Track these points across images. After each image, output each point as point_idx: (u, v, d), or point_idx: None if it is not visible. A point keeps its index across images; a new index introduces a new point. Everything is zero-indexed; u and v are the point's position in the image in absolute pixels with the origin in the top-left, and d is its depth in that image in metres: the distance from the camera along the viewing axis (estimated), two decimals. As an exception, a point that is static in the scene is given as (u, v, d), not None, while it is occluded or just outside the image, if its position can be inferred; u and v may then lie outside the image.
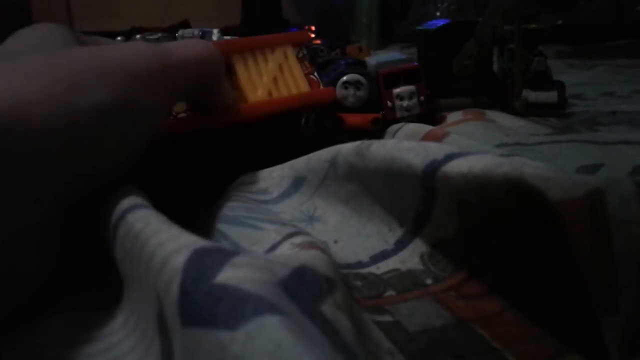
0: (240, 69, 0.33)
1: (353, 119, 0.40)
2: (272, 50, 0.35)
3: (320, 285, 0.16)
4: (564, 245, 0.16)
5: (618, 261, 0.16)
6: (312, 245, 0.19)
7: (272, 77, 0.34)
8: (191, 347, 0.13)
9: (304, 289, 0.15)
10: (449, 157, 0.20)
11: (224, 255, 0.15)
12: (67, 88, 0.19)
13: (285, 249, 0.19)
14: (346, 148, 0.26)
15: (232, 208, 0.26)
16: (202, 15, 1.46)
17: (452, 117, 0.44)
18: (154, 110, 0.24)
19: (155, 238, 0.16)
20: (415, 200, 0.22)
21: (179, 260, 0.15)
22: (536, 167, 0.18)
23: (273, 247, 0.20)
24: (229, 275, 0.14)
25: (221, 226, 0.24)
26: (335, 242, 0.25)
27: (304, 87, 0.36)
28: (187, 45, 0.26)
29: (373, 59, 0.45)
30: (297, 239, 0.20)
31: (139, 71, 0.22)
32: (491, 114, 0.45)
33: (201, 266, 0.14)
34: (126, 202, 0.20)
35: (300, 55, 0.37)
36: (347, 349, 0.14)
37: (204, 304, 0.13)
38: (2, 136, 0.17)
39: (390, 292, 0.21)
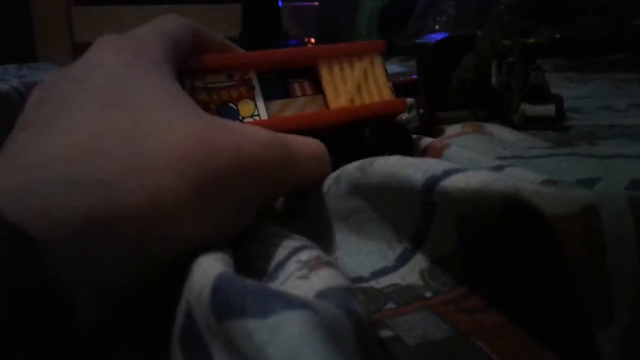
0: (325, 74, 0.33)
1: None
2: (359, 57, 0.34)
3: (347, 290, 0.16)
4: (559, 259, 0.17)
5: (612, 275, 0.16)
6: (319, 262, 0.19)
7: (356, 85, 0.33)
8: (228, 341, 0.13)
9: (338, 292, 0.15)
10: (447, 173, 0.21)
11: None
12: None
13: (292, 268, 0.19)
14: (351, 165, 0.26)
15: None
16: (202, 27, 1.47)
17: (451, 129, 0.44)
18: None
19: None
20: (414, 216, 0.23)
21: (212, 272, 0.15)
22: (533, 180, 0.18)
23: (280, 265, 0.20)
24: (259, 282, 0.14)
25: None
26: (336, 259, 0.25)
27: (388, 96, 0.35)
28: (309, 142, 0.25)
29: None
30: (303, 256, 0.20)
31: (262, 161, 0.21)
32: (489, 127, 0.45)
33: (234, 276, 0.15)
34: None
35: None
36: (370, 349, 0.14)
37: (235, 297, 0.13)
38: None
39: (390, 305, 0.21)
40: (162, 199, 0.18)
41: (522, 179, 0.20)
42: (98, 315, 0.17)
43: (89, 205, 0.16)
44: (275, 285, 0.19)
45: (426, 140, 0.36)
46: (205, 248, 0.19)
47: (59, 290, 0.14)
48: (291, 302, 0.13)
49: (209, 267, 0.16)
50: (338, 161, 0.28)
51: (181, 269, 0.18)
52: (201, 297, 0.15)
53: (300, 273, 0.18)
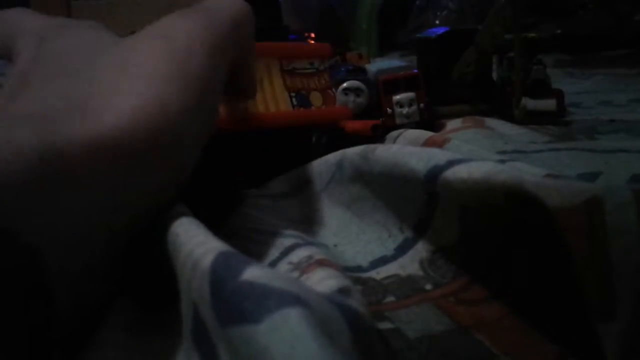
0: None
1: (353, 126, 0.40)
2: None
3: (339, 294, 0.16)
4: (562, 252, 0.16)
5: (615, 268, 0.16)
6: (311, 264, 0.18)
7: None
8: (232, 347, 0.13)
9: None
10: (451, 163, 0.21)
11: (247, 258, 0.15)
12: (200, 90, 0.19)
13: (284, 270, 0.19)
14: (352, 151, 0.26)
15: (241, 215, 0.26)
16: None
17: (452, 124, 0.44)
18: (220, 81, 0.21)
19: (187, 245, 0.17)
20: (417, 204, 0.23)
21: (205, 263, 0.15)
22: (535, 174, 0.18)
23: (271, 266, 0.20)
24: (254, 273, 0.14)
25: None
26: (335, 245, 0.25)
27: (283, 105, 0.32)
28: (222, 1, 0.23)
29: (373, 66, 0.45)
30: (295, 257, 0.19)
31: (215, 43, 0.20)
32: (490, 122, 0.45)
33: (227, 266, 0.15)
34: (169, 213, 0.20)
35: (322, 67, 0.34)
36: (367, 344, 0.14)
37: (232, 301, 0.13)
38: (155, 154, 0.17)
39: (390, 299, 0.21)
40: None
41: (524, 173, 0.19)
42: (72, 282, 0.16)
43: (40, 139, 0.15)
44: None
45: (427, 134, 0.36)
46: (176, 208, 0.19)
47: (22, 243, 0.14)
48: (284, 299, 0.13)
49: (198, 252, 0.16)
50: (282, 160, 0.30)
51: (159, 233, 0.18)
52: (203, 297, 0.14)
53: (292, 276, 0.18)
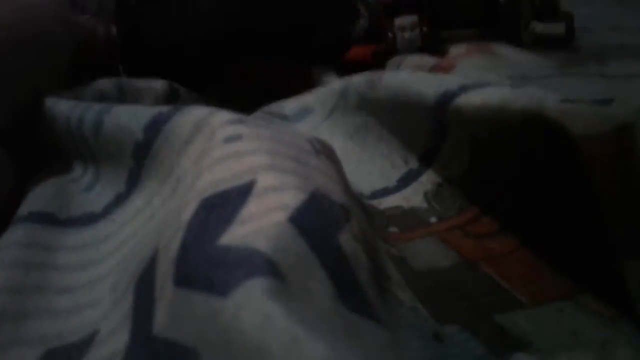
0: None
1: (353, 52, 0.38)
2: None
3: (337, 213, 0.15)
4: (585, 182, 0.15)
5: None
6: (326, 151, 0.17)
7: None
8: (182, 309, 0.12)
9: (320, 218, 0.14)
10: (463, 89, 0.19)
11: (233, 206, 0.13)
12: None
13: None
14: (357, 79, 0.25)
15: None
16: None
17: (456, 49, 0.42)
18: None
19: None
20: (425, 133, 0.21)
21: (186, 215, 0.14)
22: (557, 100, 0.16)
23: None
24: (233, 235, 0.13)
25: None
26: None
27: None
28: None
29: (373, -14, 0.43)
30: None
31: None
32: (496, 47, 0.43)
33: (207, 225, 0.13)
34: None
35: None
36: (357, 291, 0.13)
37: (203, 267, 0.12)
38: None
39: (393, 229, 0.20)
40: None
41: (539, 97, 0.18)
42: None
43: None
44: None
45: (431, 61, 0.34)
46: None
47: None
48: (253, 267, 0.11)
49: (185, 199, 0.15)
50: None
51: None
52: (168, 251, 0.13)
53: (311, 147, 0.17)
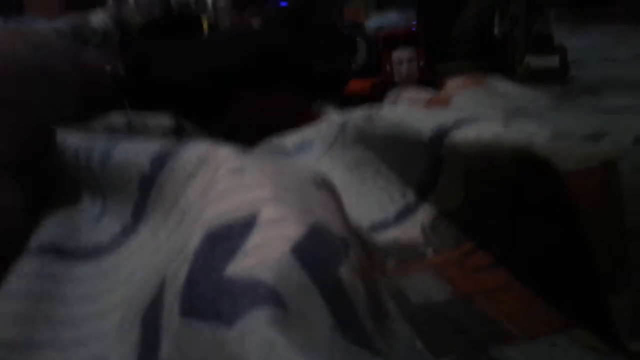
0: None
1: (352, 85, 0.39)
2: None
3: (337, 246, 0.15)
4: (572, 216, 0.16)
5: (629, 235, 0.15)
6: (326, 185, 0.18)
7: None
8: (188, 339, 0.12)
9: (320, 250, 0.14)
10: (458, 124, 0.20)
11: (238, 238, 0.14)
12: None
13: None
14: (356, 114, 0.26)
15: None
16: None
17: (452, 83, 0.43)
18: None
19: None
20: (421, 168, 0.22)
21: (192, 247, 0.14)
22: (545, 136, 0.17)
23: None
24: (237, 266, 0.13)
25: None
26: None
27: None
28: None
29: (372, 22, 0.44)
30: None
31: None
32: (492, 80, 0.44)
33: (212, 256, 0.14)
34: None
35: None
36: (356, 322, 0.13)
37: (209, 297, 0.12)
38: None
39: (391, 262, 0.21)
40: None
41: (533, 134, 0.18)
42: None
43: None
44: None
45: (428, 93, 0.35)
46: None
47: None
48: (258, 296, 0.12)
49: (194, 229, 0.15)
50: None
51: None
52: (175, 282, 0.14)
53: (315, 181, 0.18)
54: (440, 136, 0.20)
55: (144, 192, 0.20)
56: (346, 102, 0.37)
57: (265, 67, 0.32)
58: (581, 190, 0.15)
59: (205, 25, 0.38)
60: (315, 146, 0.28)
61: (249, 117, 0.33)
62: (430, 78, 0.43)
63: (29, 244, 0.19)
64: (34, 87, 0.23)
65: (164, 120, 0.28)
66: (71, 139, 0.22)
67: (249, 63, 0.32)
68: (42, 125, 0.23)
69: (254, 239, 0.14)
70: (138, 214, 0.20)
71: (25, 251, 0.19)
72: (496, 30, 0.49)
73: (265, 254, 0.13)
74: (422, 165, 0.22)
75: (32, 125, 0.22)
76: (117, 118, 0.26)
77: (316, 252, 0.14)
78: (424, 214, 0.23)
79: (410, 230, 0.22)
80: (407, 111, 0.22)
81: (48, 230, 0.20)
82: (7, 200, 0.21)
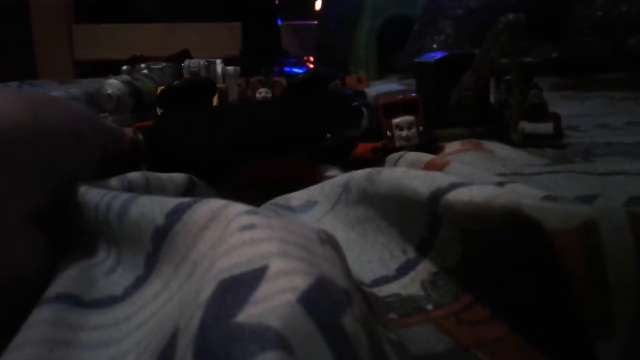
0: None
1: (355, 149, 0.40)
2: None
3: (340, 297, 0.16)
4: (560, 273, 0.17)
5: (613, 289, 0.16)
6: (330, 241, 0.19)
7: None
8: None
9: (325, 300, 0.15)
10: (453, 186, 0.21)
11: (248, 288, 0.15)
12: None
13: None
14: (358, 174, 0.27)
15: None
16: (202, 45, 1.46)
17: (451, 146, 0.45)
18: None
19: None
20: (420, 226, 0.23)
21: (204, 295, 0.15)
22: (534, 196, 0.18)
23: None
24: (248, 314, 0.14)
25: None
26: None
27: None
28: None
29: (372, 90, 0.46)
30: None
31: None
32: (488, 145, 0.46)
33: (224, 304, 0.15)
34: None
35: None
36: None
37: (221, 342, 0.13)
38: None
39: (392, 315, 0.22)
40: None
41: (523, 195, 0.20)
42: None
43: None
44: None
45: (427, 157, 0.36)
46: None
47: None
48: (266, 341, 0.13)
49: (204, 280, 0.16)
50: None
51: None
52: (189, 328, 0.15)
53: (318, 237, 0.18)
54: (437, 196, 0.22)
55: (157, 244, 0.20)
56: (350, 163, 0.38)
57: (285, 137, 0.34)
58: (565, 248, 0.17)
59: (218, 93, 0.40)
60: (320, 205, 0.29)
61: (257, 177, 0.34)
62: (429, 142, 0.45)
63: (46, 294, 0.20)
64: (63, 145, 0.24)
65: (177, 178, 0.29)
66: (92, 194, 0.23)
67: (262, 135, 0.33)
68: (67, 181, 0.25)
69: (263, 289, 0.15)
70: (150, 265, 0.21)
71: (42, 300, 0.20)
72: (492, 98, 0.52)
73: (273, 302, 0.15)
74: (421, 223, 0.23)
75: (58, 180, 0.24)
76: (136, 175, 0.27)
77: (321, 301, 0.15)
78: (423, 269, 0.24)
79: (411, 285, 0.23)
80: (406, 173, 0.24)
81: (65, 281, 0.21)
82: (31, 249, 0.23)
